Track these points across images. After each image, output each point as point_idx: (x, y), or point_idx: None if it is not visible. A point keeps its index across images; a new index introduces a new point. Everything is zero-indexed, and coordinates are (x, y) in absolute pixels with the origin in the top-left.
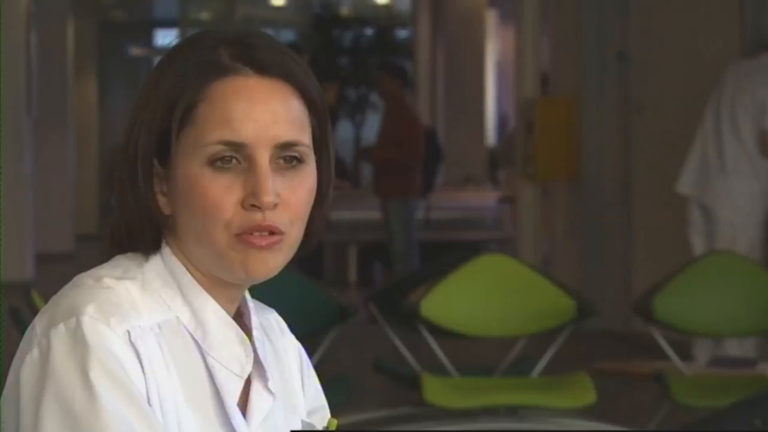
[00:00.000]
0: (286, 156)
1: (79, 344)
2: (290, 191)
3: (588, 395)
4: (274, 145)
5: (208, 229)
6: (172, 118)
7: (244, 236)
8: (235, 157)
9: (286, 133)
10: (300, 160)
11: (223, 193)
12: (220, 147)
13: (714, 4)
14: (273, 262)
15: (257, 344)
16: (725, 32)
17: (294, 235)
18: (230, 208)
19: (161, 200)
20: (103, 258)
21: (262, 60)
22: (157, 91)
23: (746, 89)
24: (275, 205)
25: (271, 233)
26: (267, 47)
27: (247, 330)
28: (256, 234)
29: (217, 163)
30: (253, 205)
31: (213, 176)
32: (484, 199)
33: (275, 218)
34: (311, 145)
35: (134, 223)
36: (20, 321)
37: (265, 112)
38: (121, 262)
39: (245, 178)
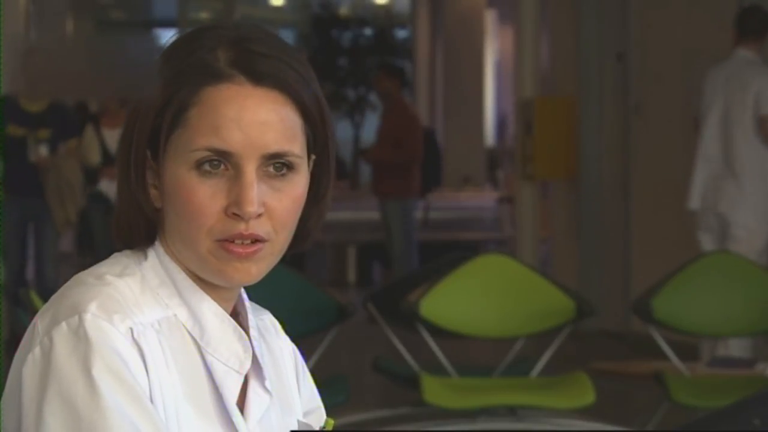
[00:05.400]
0: (276, 163)
1: (82, 342)
2: (276, 200)
3: (587, 395)
4: (261, 155)
5: (191, 233)
6: (162, 118)
7: (226, 244)
8: (222, 162)
9: (275, 144)
10: (290, 168)
11: (207, 199)
12: (207, 153)
13: (712, 4)
14: (255, 270)
15: (254, 344)
16: (724, 32)
17: (279, 242)
18: (213, 215)
19: (153, 193)
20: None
21: (257, 69)
22: (156, 86)
23: (737, 87)
24: (259, 215)
25: (254, 242)
26: (265, 54)
27: (244, 330)
28: (238, 242)
29: (204, 166)
30: (236, 214)
31: (199, 181)
32: (482, 199)
33: (258, 228)
34: (303, 154)
35: (130, 215)
36: (18, 321)
37: (254, 122)
38: (120, 260)
39: (231, 186)
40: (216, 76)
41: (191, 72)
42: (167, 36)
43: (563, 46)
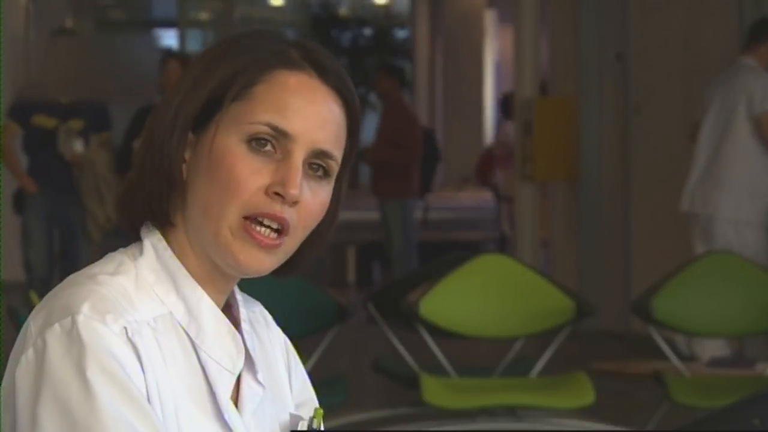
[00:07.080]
0: (315, 164)
1: (75, 344)
2: (309, 197)
3: (587, 395)
4: (312, 149)
5: (221, 203)
6: (228, 88)
7: (250, 226)
8: (272, 143)
9: (327, 142)
10: (326, 173)
11: (249, 173)
12: (265, 128)
13: (712, 3)
14: (269, 263)
15: (246, 337)
16: (724, 32)
17: (294, 240)
18: (251, 190)
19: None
20: (100, 257)
21: (325, 65)
22: (222, 62)
23: (731, 91)
24: (294, 203)
25: (278, 234)
26: (330, 58)
27: (235, 322)
28: (266, 223)
29: (253, 142)
30: (277, 194)
31: (246, 155)
32: (482, 199)
33: (291, 214)
34: (338, 165)
35: (151, 186)
36: (18, 321)
37: (317, 114)
38: (114, 257)
39: (276, 167)
40: (290, 63)
41: (266, 55)
42: (167, 36)
43: (563, 46)
